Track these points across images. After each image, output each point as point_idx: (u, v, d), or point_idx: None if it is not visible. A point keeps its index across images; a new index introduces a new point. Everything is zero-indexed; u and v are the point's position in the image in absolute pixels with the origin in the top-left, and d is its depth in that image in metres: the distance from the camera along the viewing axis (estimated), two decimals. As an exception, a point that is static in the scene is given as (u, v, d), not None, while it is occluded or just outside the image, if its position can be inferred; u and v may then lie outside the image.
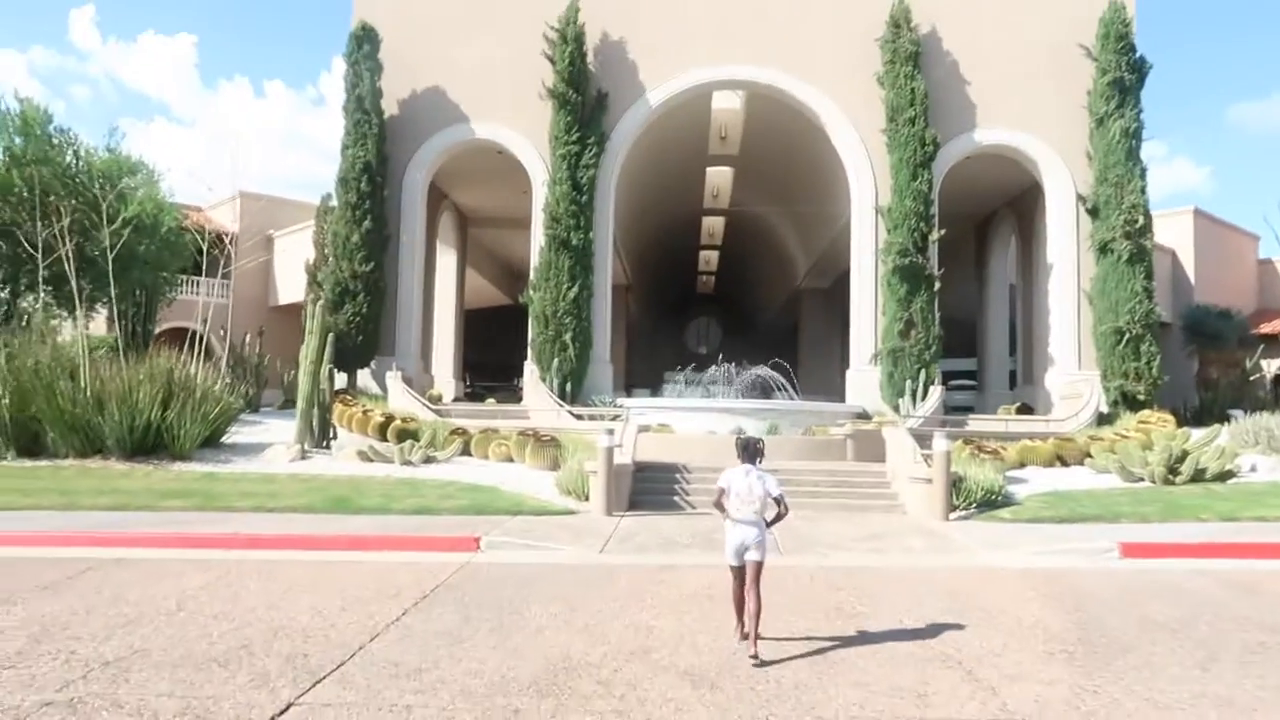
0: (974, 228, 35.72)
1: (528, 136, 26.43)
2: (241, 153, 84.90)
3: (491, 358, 47.92)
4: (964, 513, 13.56)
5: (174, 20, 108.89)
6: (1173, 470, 15.32)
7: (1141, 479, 15.67)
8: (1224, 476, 15.54)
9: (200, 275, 33.38)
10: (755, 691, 5.67)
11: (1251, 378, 29.93)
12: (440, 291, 36.12)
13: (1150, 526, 12.31)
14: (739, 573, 6.73)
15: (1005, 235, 34.69)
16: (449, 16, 26.92)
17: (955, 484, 13.73)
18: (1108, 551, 10.51)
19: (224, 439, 18.04)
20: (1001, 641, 6.89)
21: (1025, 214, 31.48)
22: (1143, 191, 24.43)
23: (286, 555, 10.18)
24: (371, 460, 16.61)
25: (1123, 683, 5.95)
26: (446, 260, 36.51)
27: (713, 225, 47.69)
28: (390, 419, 19.28)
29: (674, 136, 30.55)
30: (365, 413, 19.78)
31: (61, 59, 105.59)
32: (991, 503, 13.87)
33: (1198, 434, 18.34)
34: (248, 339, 27.20)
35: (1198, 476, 15.33)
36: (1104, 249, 24.57)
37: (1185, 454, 15.55)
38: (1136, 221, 24.11)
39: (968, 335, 36.89)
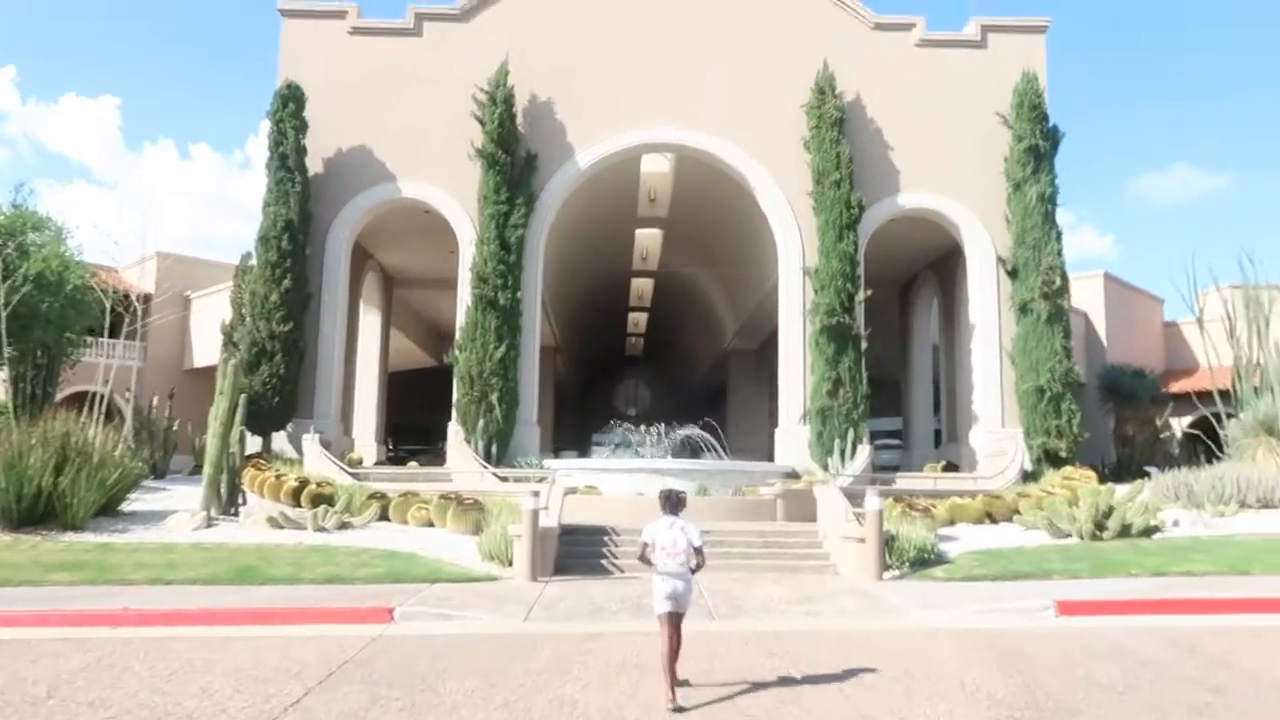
0: (898, 290, 36.36)
1: (455, 196, 26.12)
2: (153, 211, 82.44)
3: (417, 420, 46.88)
4: (897, 572, 13.32)
5: (97, 83, 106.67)
6: (1100, 526, 15.36)
7: (1070, 535, 15.67)
8: (1149, 531, 15.64)
9: (109, 337, 32.02)
10: (687, 772, 5.21)
11: (1162, 435, 30.75)
12: (363, 353, 35.23)
13: (1083, 583, 12.21)
14: (668, 619, 6.82)
15: (928, 297, 35.38)
16: (377, 76, 26.64)
17: (888, 543, 13.50)
18: (1044, 609, 10.33)
19: (122, 507, 16.90)
20: (946, 708, 6.56)
21: (947, 276, 32.16)
22: (1059, 254, 25.11)
23: (181, 631, 9.39)
24: (283, 527, 15.72)
25: (1073, 750, 5.65)
26: (370, 321, 35.72)
27: (642, 287, 47.83)
28: (304, 484, 18.40)
29: (603, 198, 30.59)
30: (278, 477, 18.87)
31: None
32: (924, 561, 13.67)
33: (1121, 490, 18.54)
34: (155, 402, 25.92)
35: (1124, 532, 15.39)
36: (1024, 309, 25.10)
37: (1111, 510, 15.62)
38: (1054, 283, 24.72)
39: (892, 395, 37.33)
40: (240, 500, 17.58)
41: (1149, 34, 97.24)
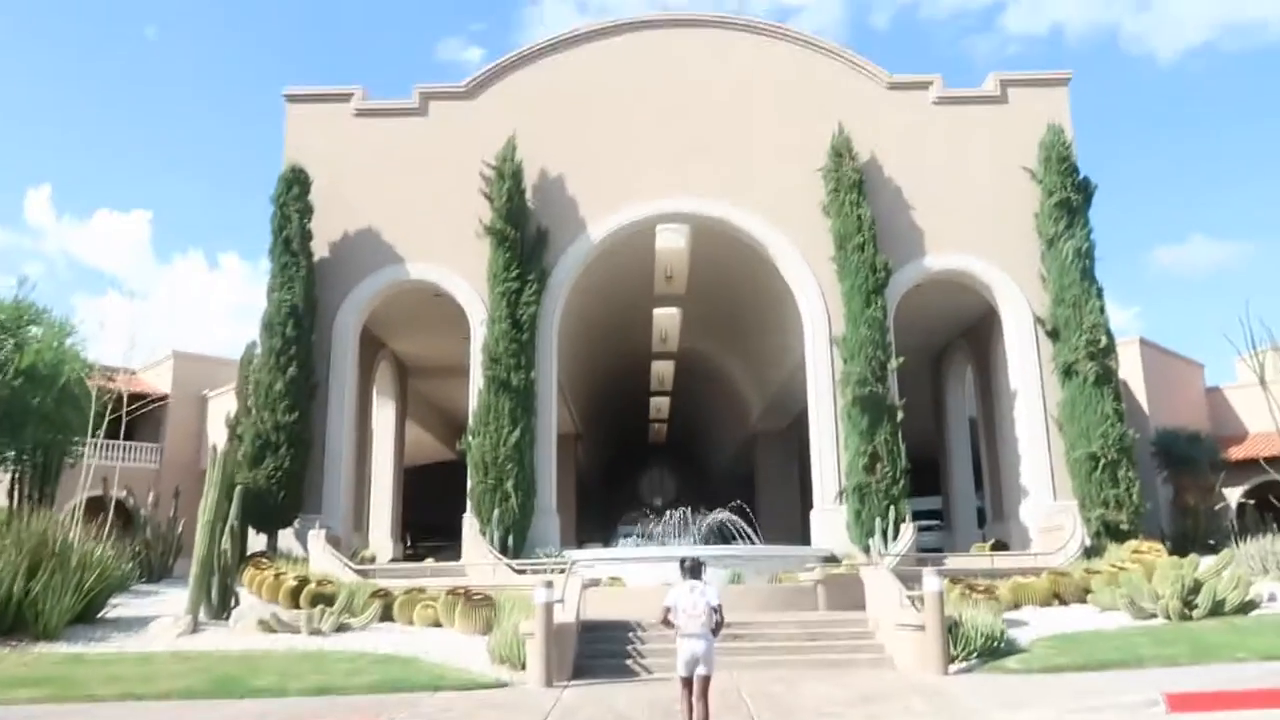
0: (928, 362, 34.91)
1: (466, 276, 25.26)
2: (171, 316, 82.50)
3: (436, 517, 45.11)
4: (964, 664, 11.65)
5: (129, 197, 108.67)
6: (1188, 604, 13.61)
7: (1154, 615, 13.91)
8: (1245, 608, 13.85)
9: (124, 439, 31.03)
10: None
11: (1217, 506, 28.75)
12: (379, 447, 34.14)
13: (1184, 671, 10.52)
14: (688, 684, 7.40)
15: (960, 367, 33.95)
16: (383, 158, 26.16)
17: (950, 630, 11.87)
18: (1151, 705, 8.70)
19: (105, 613, 15.47)
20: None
21: (980, 343, 30.76)
22: (1101, 311, 23.75)
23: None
24: (275, 631, 14.25)
25: None
26: (385, 413, 34.68)
27: (662, 370, 46.61)
28: (304, 582, 16.98)
29: (619, 275, 29.67)
30: (277, 576, 17.50)
31: (17, 237, 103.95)
32: (994, 650, 11.99)
33: (1206, 562, 16.74)
34: (151, 499, 24.60)
35: (1216, 610, 13.61)
36: (1068, 372, 23.63)
37: (1199, 585, 13.89)
38: (1099, 341, 23.30)
39: (929, 474, 35.50)
40: (234, 602, 16.14)
41: (1156, 108, 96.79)
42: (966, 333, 32.21)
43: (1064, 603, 16.02)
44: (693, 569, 7.84)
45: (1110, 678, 10.33)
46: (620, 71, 26.97)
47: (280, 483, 22.88)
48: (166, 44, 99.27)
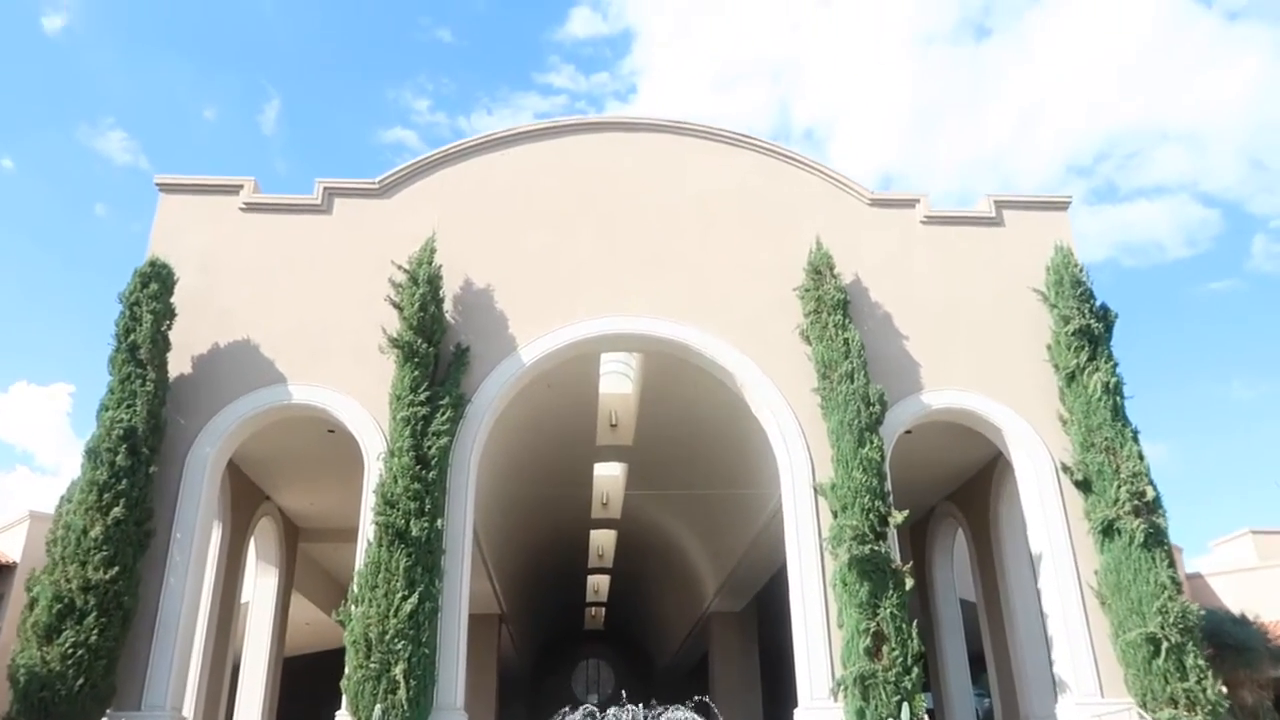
0: (907, 531, 30.13)
1: (363, 401, 20.20)
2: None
3: (329, 714, 37.91)
4: None
5: (50, 371, 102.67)
6: None
7: None
8: None
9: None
10: None
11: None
12: (254, 625, 27.90)
13: None
14: None
15: (947, 538, 29.39)
16: (274, 260, 21.65)
17: None
18: None
19: None
20: None
21: (976, 505, 26.34)
22: (1141, 457, 19.53)
23: None
24: None
25: None
26: (265, 583, 28.55)
27: (602, 542, 41.15)
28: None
29: (555, 412, 24.96)
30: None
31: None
32: None
33: None
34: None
35: None
36: (1108, 530, 19.07)
37: None
38: (1143, 493, 18.92)
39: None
40: None
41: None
42: (954, 495, 27.86)
43: None
44: None
45: None
46: (562, 176, 23.20)
47: (80, 664, 16.69)
48: (113, 222, 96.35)
